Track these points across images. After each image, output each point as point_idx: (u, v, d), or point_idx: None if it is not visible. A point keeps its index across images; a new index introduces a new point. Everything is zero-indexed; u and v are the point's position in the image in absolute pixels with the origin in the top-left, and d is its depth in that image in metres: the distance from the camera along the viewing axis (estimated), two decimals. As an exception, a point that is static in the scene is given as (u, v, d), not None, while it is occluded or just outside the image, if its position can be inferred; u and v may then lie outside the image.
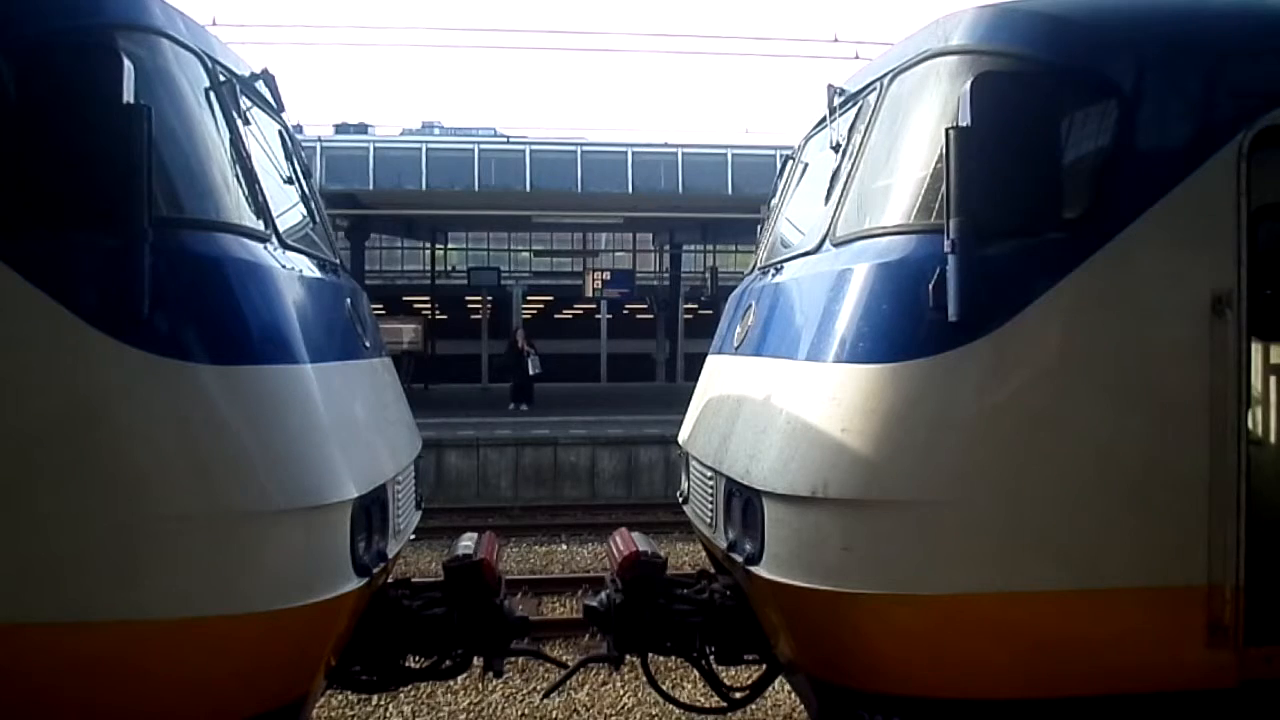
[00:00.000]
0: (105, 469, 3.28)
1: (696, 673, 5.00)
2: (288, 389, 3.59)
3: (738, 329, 5.23)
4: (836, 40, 28.17)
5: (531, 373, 21.97)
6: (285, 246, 4.11)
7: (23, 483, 3.25)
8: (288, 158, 4.92)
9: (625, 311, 39.22)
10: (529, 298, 40.24)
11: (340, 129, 36.80)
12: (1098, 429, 3.67)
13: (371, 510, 3.92)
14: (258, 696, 3.58)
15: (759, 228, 6.23)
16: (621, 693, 6.41)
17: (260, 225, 3.93)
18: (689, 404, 5.76)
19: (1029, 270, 3.67)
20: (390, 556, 4.20)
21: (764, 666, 4.91)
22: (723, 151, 34.13)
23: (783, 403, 4.01)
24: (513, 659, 5.89)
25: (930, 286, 3.60)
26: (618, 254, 40.99)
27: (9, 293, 3.23)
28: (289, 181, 4.81)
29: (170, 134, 3.56)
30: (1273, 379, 4.63)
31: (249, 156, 4.08)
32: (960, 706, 3.73)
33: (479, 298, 32.24)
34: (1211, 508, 3.66)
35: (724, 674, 5.10)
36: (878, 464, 3.61)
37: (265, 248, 3.85)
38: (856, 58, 17.46)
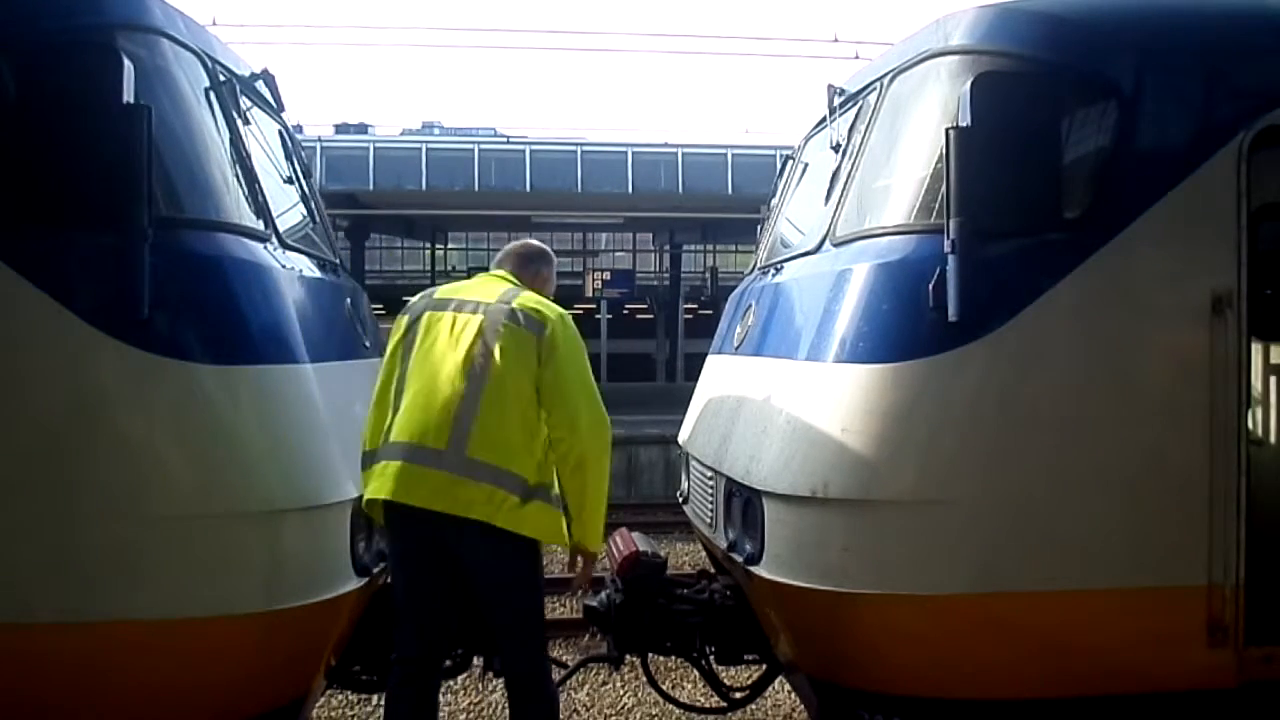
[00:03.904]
0: (105, 469, 3.28)
1: (696, 673, 4.99)
2: (288, 389, 3.60)
3: (738, 329, 5.23)
4: (836, 40, 28.01)
5: None
6: (285, 246, 4.11)
7: (22, 483, 3.25)
8: (288, 158, 4.92)
9: (625, 311, 39.21)
10: (529, 298, 40.18)
11: (340, 129, 36.76)
12: (1098, 429, 3.66)
13: (372, 510, 3.91)
14: (257, 696, 3.58)
15: (759, 228, 6.23)
16: (621, 693, 6.41)
17: (260, 225, 3.93)
18: (689, 404, 5.76)
19: (1029, 270, 3.66)
20: (390, 556, 4.20)
21: (764, 666, 4.91)
22: (723, 151, 34.10)
23: (783, 403, 4.00)
24: (513, 659, 5.87)
25: (930, 286, 3.60)
26: (618, 254, 40.98)
27: (9, 292, 3.23)
28: (289, 181, 4.81)
29: (170, 134, 3.56)
30: (1273, 379, 4.63)
31: (249, 156, 4.08)
32: (960, 706, 3.73)
33: (479, 298, 32.18)
34: (1211, 508, 3.66)
35: (724, 674, 5.09)
36: (878, 464, 3.60)
37: (265, 248, 3.85)
38: (856, 58, 17.43)
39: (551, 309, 3.38)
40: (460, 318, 3.34)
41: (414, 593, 3.64)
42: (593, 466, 3.45)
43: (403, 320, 3.58)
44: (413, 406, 3.27)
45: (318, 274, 4.46)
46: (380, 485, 3.26)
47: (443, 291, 3.59)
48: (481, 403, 3.15)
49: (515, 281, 3.57)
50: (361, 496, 3.71)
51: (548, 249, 3.84)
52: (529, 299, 3.39)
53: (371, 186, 30.59)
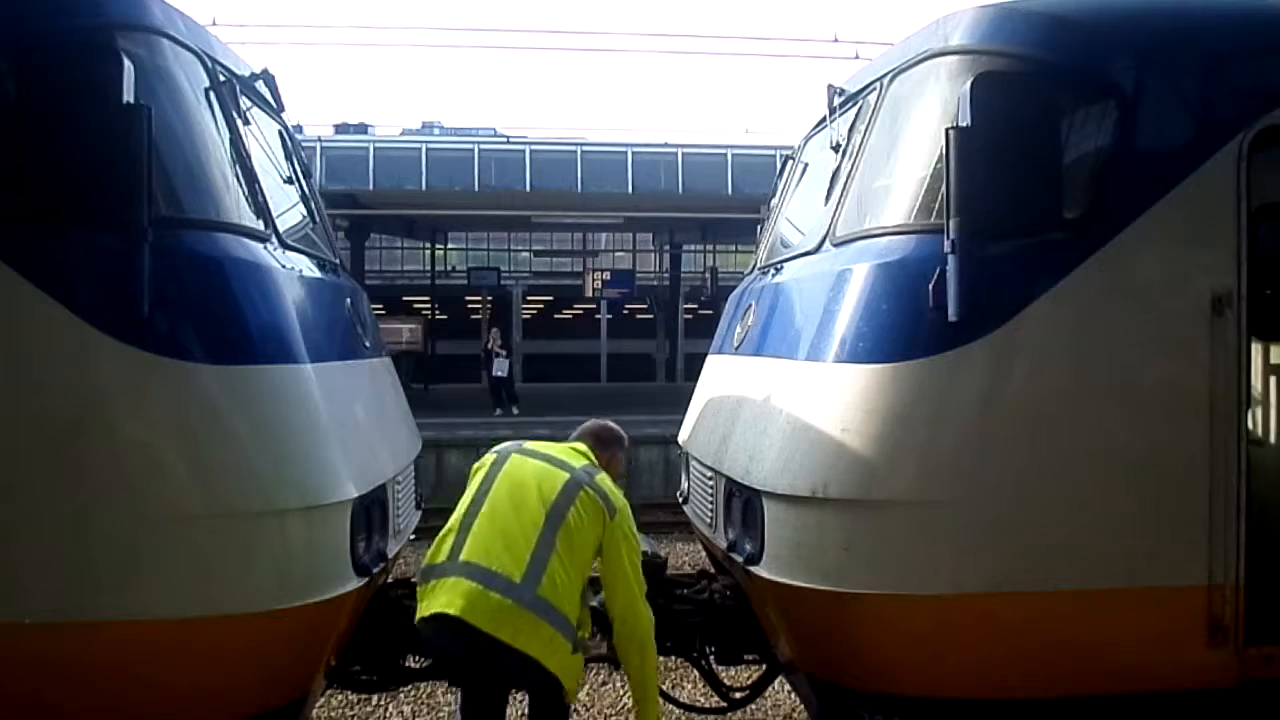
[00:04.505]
0: (105, 468, 3.28)
1: (696, 673, 4.99)
2: (288, 389, 3.59)
3: (738, 329, 5.23)
4: (836, 40, 27.89)
5: (495, 374, 21.16)
6: (285, 246, 4.11)
7: (22, 482, 3.25)
8: (288, 158, 4.92)
9: (625, 311, 39.22)
10: (529, 298, 40.24)
11: (340, 129, 36.69)
12: (1098, 429, 3.67)
13: (371, 510, 3.92)
14: (258, 696, 3.58)
15: (759, 228, 6.23)
16: (621, 693, 6.40)
17: (260, 225, 3.93)
18: (689, 404, 5.76)
19: (1029, 270, 3.67)
20: (390, 556, 4.21)
21: (764, 666, 4.91)
22: (723, 151, 34.03)
23: (783, 403, 4.00)
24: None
25: (930, 286, 3.60)
26: (618, 254, 40.98)
27: (9, 292, 3.24)
28: (289, 181, 4.81)
29: (170, 134, 3.56)
30: (1273, 379, 4.63)
31: (249, 156, 4.08)
32: (960, 706, 3.73)
33: (479, 298, 32.22)
34: (1211, 508, 3.66)
35: (724, 674, 5.10)
36: (878, 464, 3.61)
37: (265, 248, 3.85)
38: (856, 58, 17.39)
39: (621, 499, 3.62)
40: (548, 469, 3.55)
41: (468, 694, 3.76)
42: (651, 648, 3.72)
43: (489, 458, 3.76)
44: (489, 532, 3.38)
45: (318, 274, 4.46)
46: (449, 600, 3.34)
47: (531, 445, 3.79)
48: (557, 546, 3.34)
49: (593, 459, 3.78)
50: (362, 496, 3.72)
51: (624, 435, 4.07)
52: (608, 482, 3.63)
53: (371, 186, 30.54)
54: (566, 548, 3.36)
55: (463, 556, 3.34)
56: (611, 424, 4.04)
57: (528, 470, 3.53)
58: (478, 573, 3.32)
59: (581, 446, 3.80)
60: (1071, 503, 3.64)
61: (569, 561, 3.37)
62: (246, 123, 4.20)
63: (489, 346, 22.13)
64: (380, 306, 29.82)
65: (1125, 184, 3.73)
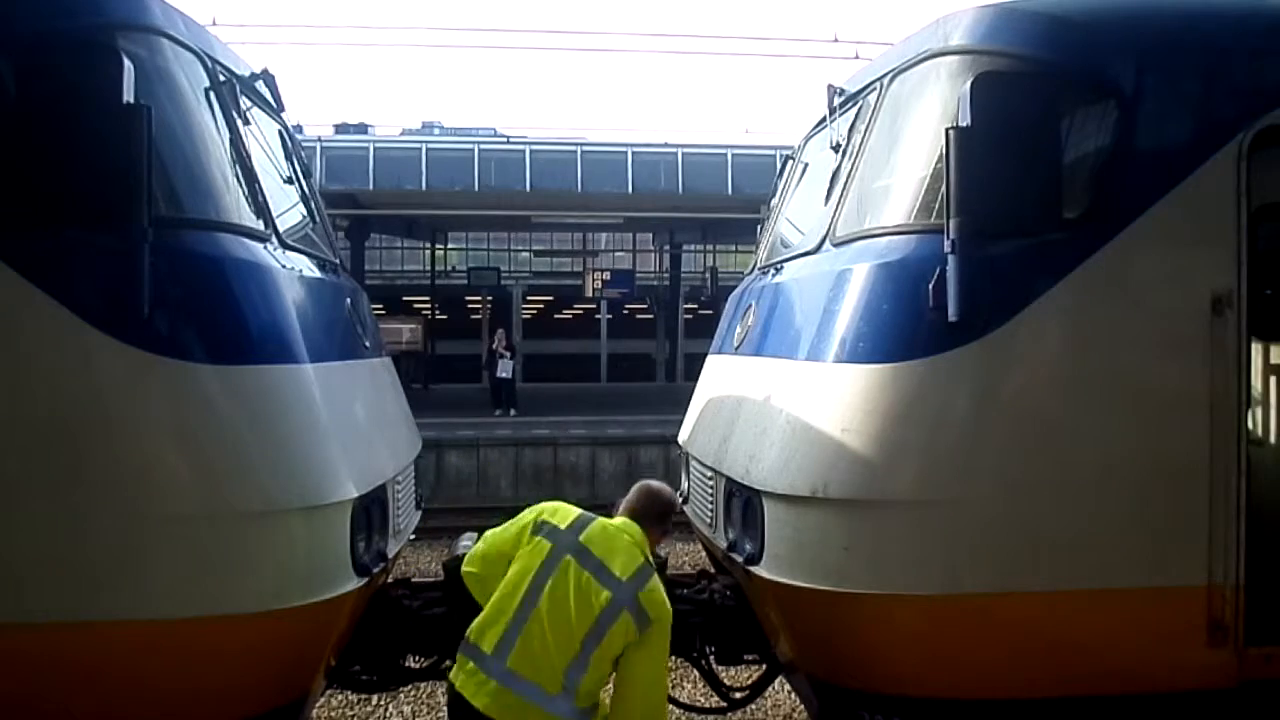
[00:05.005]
0: (105, 469, 3.28)
1: (696, 673, 4.99)
2: (288, 389, 3.60)
3: (738, 329, 5.24)
4: (836, 40, 27.95)
5: (499, 375, 21.10)
6: (285, 246, 4.11)
7: (22, 482, 3.25)
8: (288, 158, 4.92)
9: (625, 311, 39.22)
10: (529, 298, 40.23)
11: (340, 129, 36.70)
12: (1097, 429, 3.67)
13: (371, 510, 3.92)
14: (258, 696, 3.58)
15: (759, 228, 6.23)
16: (621, 693, 6.40)
17: (260, 225, 3.93)
18: (689, 404, 5.76)
19: (1029, 270, 3.67)
20: (390, 556, 4.21)
21: (764, 666, 4.91)
22: (723, 151, 34.04)
23: (783, 403, 4.01)
24: (513, 659, 5.87)
25: (930, 286, 3.60)
26: (618, 254, 40.97)
27: (9, 292, 3.24)
28: (289, 181, 4.81)
29: (170, 134, 3.56)
30: (1273, 379, 4.63)
31: (249, 156, 4.08)
32: (960, 706, 3.73)
33: (479, 298, 32.23)
34: (1211, 508, 3.66)
35: (724, 674, 5.09)
36: (878, 464, 3.61)
37: (265, 248, 3.85)
38: (856, 58, 17.40)
39: (663, 607, 3.60)
40: (595, 586, 3.52)
41: None
42: None
43: (545, 545, 3.60)
44: (533, 647, 3.47)
45: (318, 274, 4.46)
46: (482, 701, 3.43)
47: (588, 537, 3.61)
48: (591, 662, 3.49)
49: (645, 547, 3.70)
50: (362, 496, 3.72)
51: (674, 501, 3.99)
52: (652, 596, 3.57)
53: (371, 186, 30.55)
54: (600, 658, 3.51)
55: (508, 663, 3.45)
56: (662, 492, 3.90)
57: (576, 587, 3.51)
58: (518, 683, 3.45)
59: (635, 532, 3.69)
60: (1071, 502, 3.64)
61: (598, 671, 3.54)
62: (246, 123, 4.20)
63: (494, 347, 22.11)
64: (380, 306, 29.84)
65: (1125, 184, 3.73)
